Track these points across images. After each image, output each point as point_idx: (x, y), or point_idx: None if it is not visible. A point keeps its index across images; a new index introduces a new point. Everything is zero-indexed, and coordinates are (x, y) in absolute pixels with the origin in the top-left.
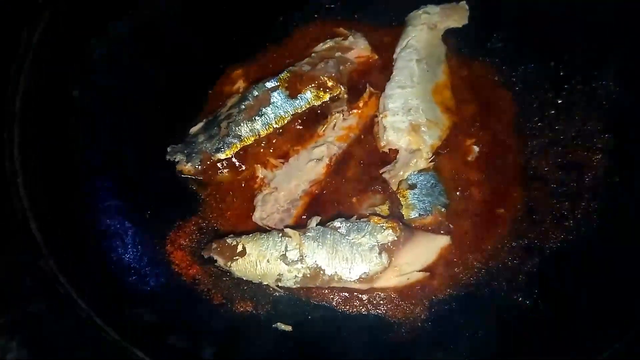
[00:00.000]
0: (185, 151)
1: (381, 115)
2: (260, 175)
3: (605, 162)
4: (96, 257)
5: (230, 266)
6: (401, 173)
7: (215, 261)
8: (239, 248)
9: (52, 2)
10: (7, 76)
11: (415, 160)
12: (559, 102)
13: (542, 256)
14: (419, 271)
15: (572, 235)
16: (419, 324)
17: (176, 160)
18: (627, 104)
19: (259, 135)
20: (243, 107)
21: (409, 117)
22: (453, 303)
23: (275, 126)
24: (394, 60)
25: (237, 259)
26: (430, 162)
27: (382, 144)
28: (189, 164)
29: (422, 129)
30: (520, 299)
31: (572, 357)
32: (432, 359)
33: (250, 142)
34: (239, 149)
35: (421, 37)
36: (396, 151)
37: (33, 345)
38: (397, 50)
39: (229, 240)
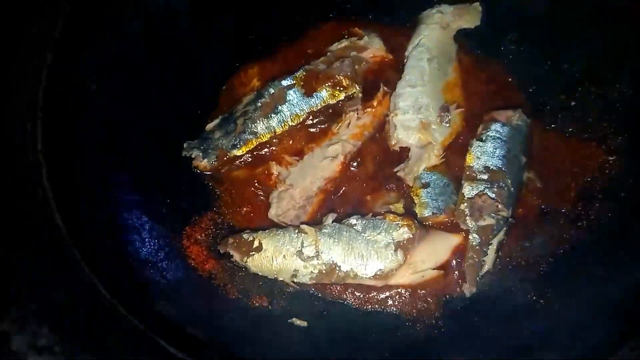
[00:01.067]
0: (202, 147)
1: (392, 114)
2: (275, 172)
3: (618, 164)
4: (116, 250)
5: (246, 261)
6: (415, 169)
7: (232, 256)
8: (255, 243)
9: None
10: (31, 70)
11: (427, 154)
12: (572, 103)
13: (555, 256)
14: (433, 269)
15: (585, 235)
16: (433, 322)
17: (192, 156)
18: None
19: (275, 132)
20: (259, 104)
21: (419, 115)
22: (467, 301)
23: (290, 124)
24: (405, 59)
25: (253, 255)
26: (442, 159)
27: (393, 142)
28: (205, 160)
29: (433, 126)
30: (533, 297)
31: (585, 356)
32: (446, 356)
33: (266, 139)
34: (254, 145)
35: (433, 36)
36: (408, 149)
37: (62, 332)
38: (409, 48)
39: (245, 236)
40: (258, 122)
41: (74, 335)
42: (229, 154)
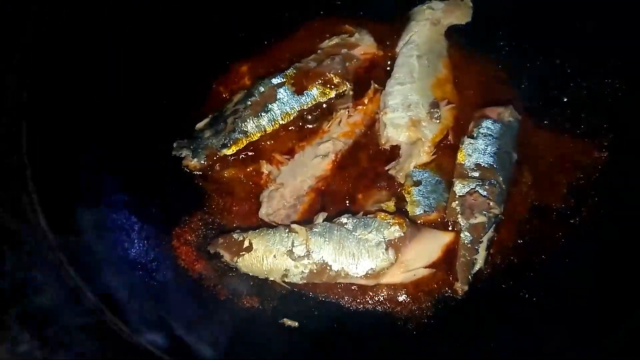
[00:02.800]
0: (191, 147)
1: (381, 113)
2: (266, 171)
3: (610, 160)
4: (103, 251)
5: (236, 261)
6: (406, 166)
7: (222, 256)
8: (246, 243)
9: None
10: (14, 69)
11: (417, 150)
12: (564, 99)
13: (547, 253)
14: (425, 267)
15: (577, 232)
16: (425, 321)
17: (182, 155)
18: (632, 102)
19: (265, 131)
20: (249, 103)
21: (409, 112)
22: (459, 299)
23: (281, 122)
24: (395, 55)
25: (244, 255)
26: (433, 155)
27: (383, 141)
28: (195, 160)
29: (423, 123)
30: (526, 295)
31: (578, 353)
32: (438, 354)
33: (256, 137)
34: (245, 144)
35: (423, 32)
36: (399, 148)
37: (44, 337)
38: (400, 45)
39: (235, 236)
40: (248, 121)
41: (56, 341)
42: (219, 153)
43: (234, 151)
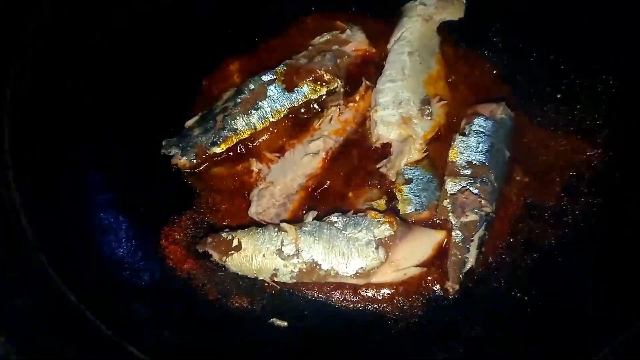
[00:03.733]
0: (180, 145)
1: (372, 111)
2: (256, 170)
3: (604, 158)
4: (89, 251)
5: (225, 261)
6: (397, 163)
7: (210, 256)
8: (235, 242)
9: None
10: None
11: (408, 147)
12: (558, 96)
13: (540, 252)
14: (416, 266)
15: (570, 231)
16: (416, 320)
17: (171, 154)
18: (627, 99)
19: (255, 129)
20: (239, 100)
21: (400, 110)
22: (450, 299)
23: (271, 120)
24: (387, 52)
25: (233, 254)
26: (424, 152)
27: (374, 139)
28: (184, 158)
29: (414, 120)
30: (518, 294)
31: (569, 354)
32: (429, 354)
33: (246, 135)
34: (234, 142)
35: (415, 28)
36: (390, 145)
37: (20, 341)
38: (391, 41)
39: (224, 235)
40: (238, 118)
41: (32, 344)
42: (208, 151)
43: (224, 149)
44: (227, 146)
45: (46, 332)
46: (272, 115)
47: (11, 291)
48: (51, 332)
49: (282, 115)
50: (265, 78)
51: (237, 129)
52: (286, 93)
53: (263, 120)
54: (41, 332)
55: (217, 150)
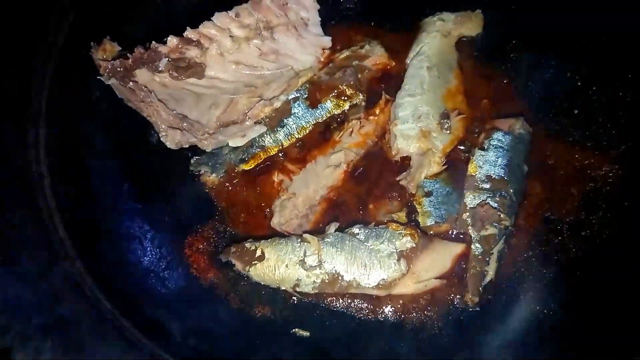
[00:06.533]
0: (210, 163)
1: (391, 124)
2: (278, 181)
3: (622, 172)
4: (118, 260)
5: (248, 270)
6: (417, 176)
7: (234, 265)
8: (258, 252)
9: (77, 4)
10: (32, 79)
11: (427, 160)
12: (575, 111)
13: (559, 265)
14: (436, 278)
15: (588, 244)
16: (436, 331)
17: (200, 172)
18: None
19: (282, 145)
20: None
21: (419, 123)
22: (470, 310)
23: (297, 136)
24: (406, 66)
25: (256, 264)
26: (444, 165)
27: (393, 152)
28: (213, 175)
29: (433, 134)
30: (537, 307)
31: None
32: None
33: (274, 152)
34: (262, 159)
35: (434, 43)
36: (409, 158)
37: (65, 346)
38: (410, 56)
39: (247, 245)
40: (265, 135)
41: (77, 349)
42: (237, 168)
43: (252, 166)
44: (255, 163)
45: (86, 338)
46: (297, 132)
47: (55, 300)
48: (91, 338)
49: (307, 131)
50: (289, 95)
51: (264, 145)
52: (310, 109)
53: (289, 137)
54: (83, 338)
55: (246, 167)
